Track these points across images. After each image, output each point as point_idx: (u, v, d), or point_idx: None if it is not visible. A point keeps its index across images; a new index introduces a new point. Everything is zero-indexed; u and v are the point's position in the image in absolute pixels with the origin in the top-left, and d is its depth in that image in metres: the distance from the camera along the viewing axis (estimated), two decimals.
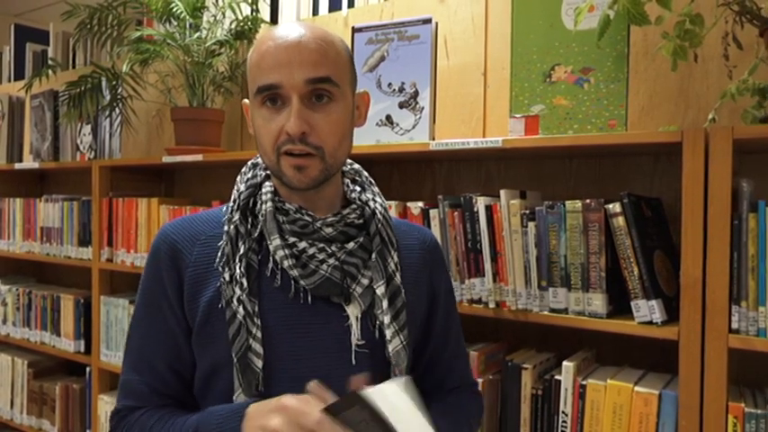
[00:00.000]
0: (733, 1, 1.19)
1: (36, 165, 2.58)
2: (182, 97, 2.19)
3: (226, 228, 0.97)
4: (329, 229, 0.95)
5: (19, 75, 3.11)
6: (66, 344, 2.42)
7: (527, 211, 1.36)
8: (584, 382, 1.28)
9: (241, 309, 0.91)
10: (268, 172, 1.01)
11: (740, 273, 1.13)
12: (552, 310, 1.34)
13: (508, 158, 1.67)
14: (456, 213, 1.45)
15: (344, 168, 1.05)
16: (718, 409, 1.13)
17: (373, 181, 1.07)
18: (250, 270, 0.94)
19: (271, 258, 0.95)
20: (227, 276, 0.93)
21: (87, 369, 2.36)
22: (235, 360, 0.91)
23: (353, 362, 0.94)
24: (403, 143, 1.60)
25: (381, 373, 0.94)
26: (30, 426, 2.58)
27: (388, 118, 1.65)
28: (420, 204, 1.52)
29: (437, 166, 1.80)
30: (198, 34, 2.04)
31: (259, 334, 0.91)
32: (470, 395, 1.16)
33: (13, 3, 4.76)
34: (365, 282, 0.96)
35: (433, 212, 1.49)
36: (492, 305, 1.40)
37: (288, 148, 0.90)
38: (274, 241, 0.94)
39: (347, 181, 1.04)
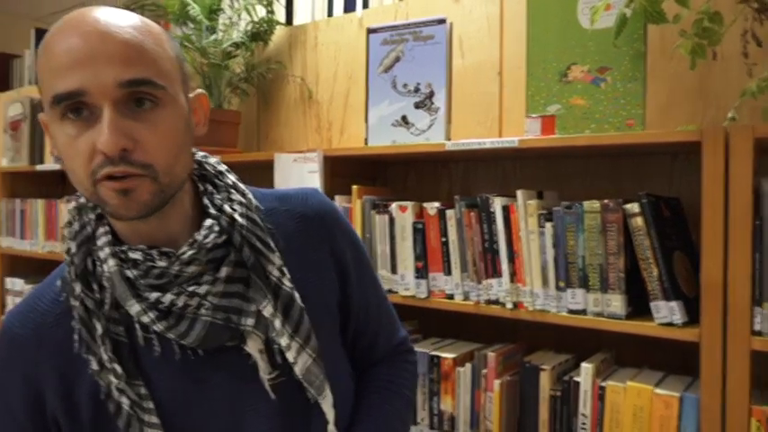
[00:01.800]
0: None
1: (57, 166, 2.62)
2: None
3: (73, 303, 0.77)
4: (192, 268, 0.75)
5: None
6: None
7: (544, 212, 1.35)
8: (603, 384, 1.28)
9: (124, 398, 0.75)
10: (99, 211, 0.79)
11: (762, 274, 1.11)
12: (570, 311, 1.33)
13: (524, 158, 1.66)
14: (473, 214, 1.44)
15: None
16: (740, 412, 1.12)
17: (223, 168, 0.86)
18: (120, 348, 0.76)
19: (137, 326, 0.77)
20: (95, 365, 0.75)
21: None
22: None
23: (272, 396, 0.80)
24: (419, 143, 1.60)
25: (297, 395, 0.81)
26: None
27: (404, 118, 1.65)
28: (436, 205, 1.52)
29: (453, 166, 1.79)
30: (214, 36, 2.05)
31: (154, 419, 0.76)
32: (397, 364, 0.99)
33: (33, 7, 4.82)
34: (253, 308, 0.78)
35: (449, 213, 1.49)
36: (509, 306, 1.40)
37: (107, 171, 0.69)
38: (132, 308, 0.74)
39: (194, 179, 0.84)
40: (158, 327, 0.74)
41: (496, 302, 1.42)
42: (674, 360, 1.38)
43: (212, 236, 0.77)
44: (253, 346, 0.78)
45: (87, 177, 0.70)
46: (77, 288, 0.76)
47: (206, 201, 0.80)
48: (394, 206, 1.57)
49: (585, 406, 1.29)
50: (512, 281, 1.39)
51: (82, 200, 0.80)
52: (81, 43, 0.68)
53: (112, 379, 0.75)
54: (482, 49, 1.72)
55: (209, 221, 0.78)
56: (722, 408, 1.13)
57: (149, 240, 0.77)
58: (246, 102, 2.25)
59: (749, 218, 1.11)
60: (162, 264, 0.74)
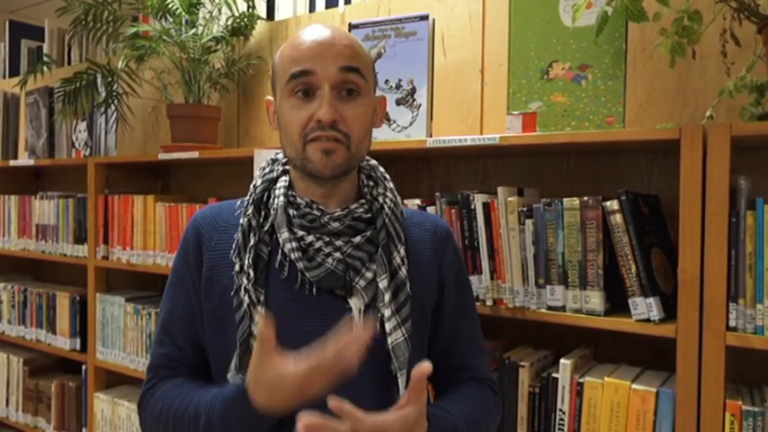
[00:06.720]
0: None
1: (31, 162, 2.57)
2: (177, 94, 2.18)
3: (240, 220, 1.02)
4: (336, 224, 0.99)
5: (14, 71, 3.10)
6: (62, 342, 2.41)
7: (524, 209, 1.36)
8: (581, 380, 1.28)
9: (246, 297, 0.97)
10: (286, 167, 1.06)
11: (738, 270, 1.13)
12: (549, 308, 1.33)
13: (506, 155, 1.66)
14: (453, 211, 1.44)
15: (361, 164, 1.08)
16: (715, 406, 1.13)
17: (388, 177, 1.10)
18: (259, 261, 0.99)
19: (280, 250, 1.00)
20: (237, 267, 0.99)
21: (83, 367, 2.35)
22: (237, 343, 0.97)
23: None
24: (400, 140, 1.60)
25: (382, 364, 0.98)
26: (25, 424, 2.58)
27: (386, 115, 1.64)
28: (417, 202, 1.51)
29: (434, 163, 1.79)
30: (194, 31, 2.03)
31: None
32: (488, 390, 1.13)
33: (7, 0, 4.73)
34: (369, 275, 0.99)
35: (430, 210, 1.48)
36: (489, 303, 1.40)
37: (317, 134, 0.95)
38: (283, 234, 0.99)
39: (362, 177, 1.07)
40: (294, 255, 0.97)
41: (476, 299, 1.42)
42: (651, 355, 1.40)
43: (360, 209, 1.01)
44: (355, 303, 0.98)
45: (299, 138, 0.96)
46: (250, 209, 1.02)
47: (365, 190, 1.05)
48: None
49: (564, 402, 1.30)
50: (492, 278, 1.40)
51: (279, 155, 1.08)
52: (317, 43, 0.96)
53: (244, 280, 0.98)
54: (464, 46, 1.72)
55: (362, 200, 1.03)
56: (698, 402, 1.14)
57: (314, 199, 1.01)
58: (226, 97, 2.23)
59: (725, 215, 1.12)
60: (316, 213, 0.99)
